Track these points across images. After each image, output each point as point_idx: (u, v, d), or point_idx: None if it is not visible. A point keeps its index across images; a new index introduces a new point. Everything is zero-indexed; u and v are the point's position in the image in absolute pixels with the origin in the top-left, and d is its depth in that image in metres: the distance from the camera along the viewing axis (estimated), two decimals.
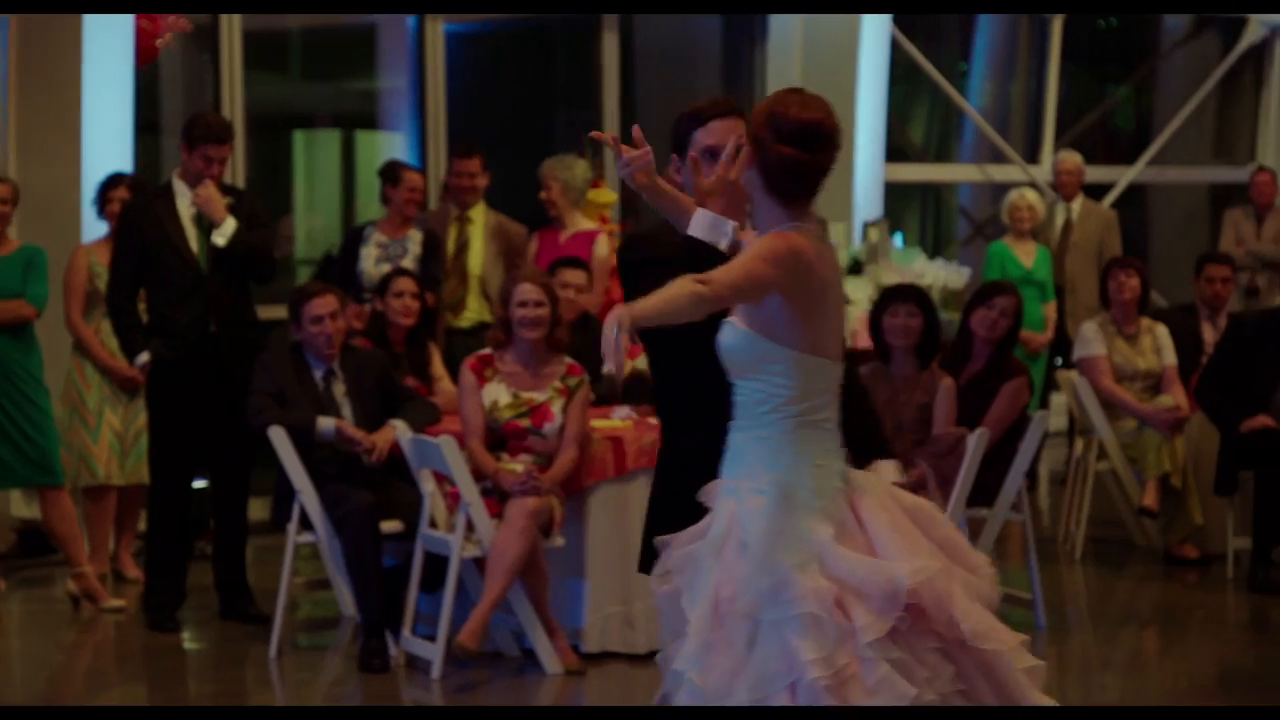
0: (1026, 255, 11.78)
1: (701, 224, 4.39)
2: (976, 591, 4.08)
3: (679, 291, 3.95)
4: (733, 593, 4.01)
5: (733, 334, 4.17)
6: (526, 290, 7.62)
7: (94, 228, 9.35)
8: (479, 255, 9.66)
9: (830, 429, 4.17)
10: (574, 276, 8.87)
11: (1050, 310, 11.75)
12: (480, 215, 9.74)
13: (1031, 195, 12.03)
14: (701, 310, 3.99)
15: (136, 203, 8.35)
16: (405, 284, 8.62)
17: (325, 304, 7.83)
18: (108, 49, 9.89)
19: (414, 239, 9.36)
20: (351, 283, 9.22)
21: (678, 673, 4.07)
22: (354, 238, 9.49)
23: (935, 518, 4.18)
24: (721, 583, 4.04)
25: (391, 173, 9.54)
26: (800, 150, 4.14)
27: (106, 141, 9.91)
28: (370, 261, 9.27)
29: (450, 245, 9.62)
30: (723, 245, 4.37)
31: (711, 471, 4.25)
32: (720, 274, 4.02)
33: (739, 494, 4.12)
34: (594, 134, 4.51)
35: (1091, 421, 9.75)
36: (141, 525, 9.02)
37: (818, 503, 4.08)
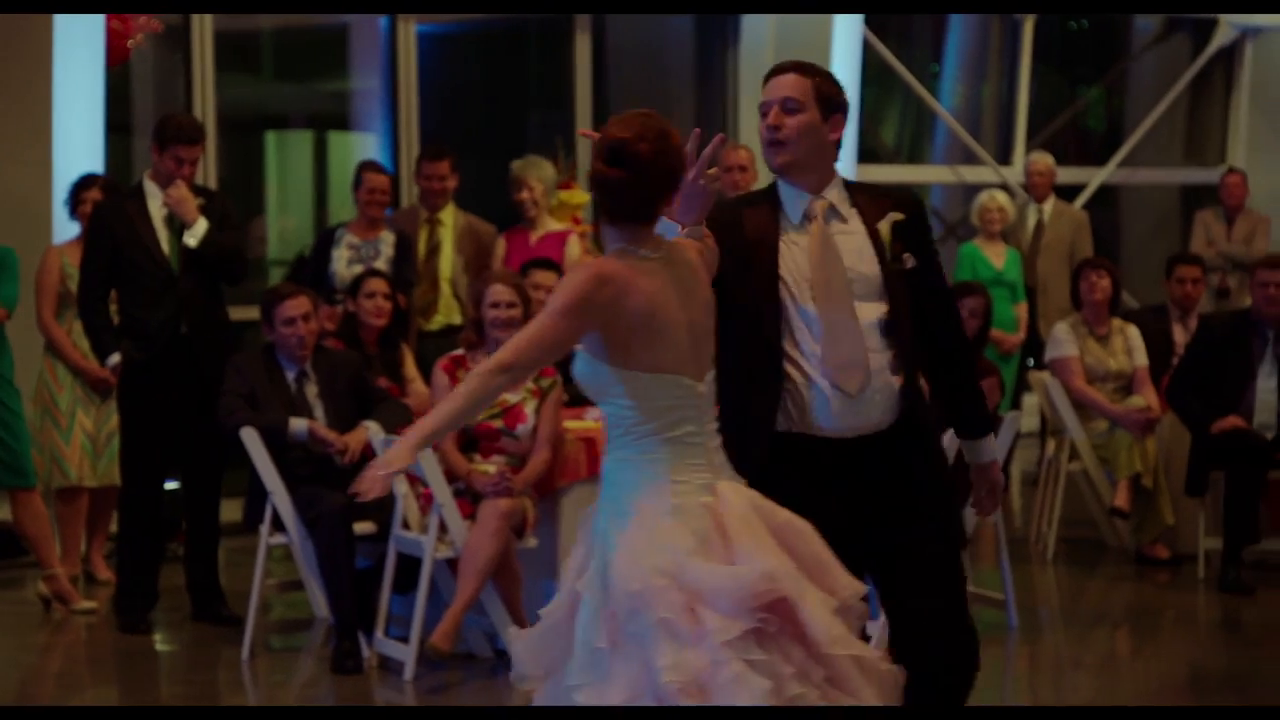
0: (997, 256, 11.81)
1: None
2: (835, 609, 4.12)
3: (474, 387, 4.07)
4: (612, 611, 4.08)
5: (580, 361, 4.24)
6: (498, 291, 7.63)
7: (65, 228, 9.33)
8: (449, 257, 9.65)
9: (696, 443, 4.19)
10: (545, 278, 8.87)
11: (1021, 311, 11.78)
12: (450, 217, 9.73)
13: (1002, 197, 12.06)
14: (510, 388, 4.22)
15: (108, 204, 8.34)
16: (377, 285, 8.61)
17: (297, 305, 7.82)
18: (79, 49, 9.86)
19: (386, 241, 9.35)
20: (323, 284, 9.21)
21: (567, 689, 4.14)
22: (326, 239, 9.47)
23: (804, 534, 4.19)
24: (603, 605, 4.10)
25: (356, 174, 9.54)
26: (611, 169, 4.17)
27: (77, 142, 9.88)
28: (342, 263, 9.26)
29: (421, 248, 9.60)
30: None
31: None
32: (514, 345, 4.12)
33: (605, 519, 4.19)
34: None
35: (1063, 422, 9.78)
36: (113, 527, 9.00)
37: (676, 519, 4.11)
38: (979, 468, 4.84)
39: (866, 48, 13.58)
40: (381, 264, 9.19)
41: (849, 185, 4.73)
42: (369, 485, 4.05)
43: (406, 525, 7.52)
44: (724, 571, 4.03)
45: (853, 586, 4.20)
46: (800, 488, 4.52)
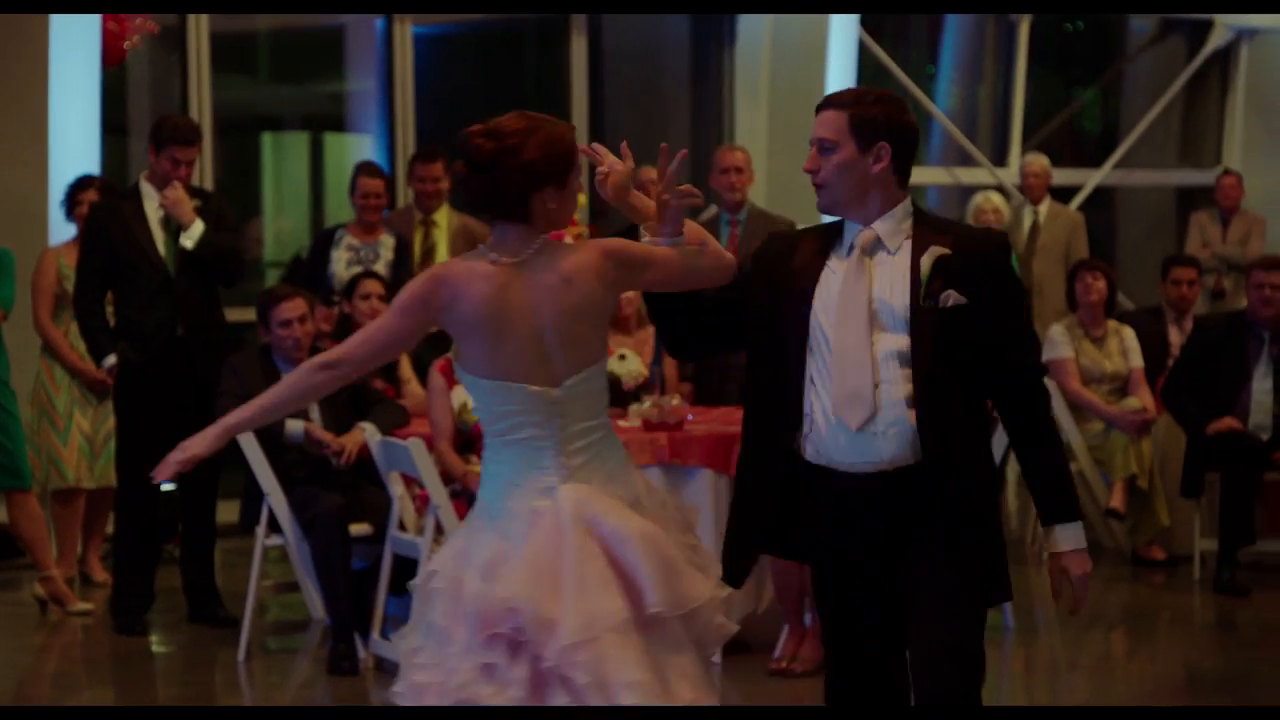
0: None
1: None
2: (671, 635, 4.14)
3: (294, 380, 4.28)
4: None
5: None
6: None
7: (61, 230, 9.33)
8: (444, 259, 9.65)
9: (543, 447, 4.23)
10: None
11: None
12: (445, 218, 9.73)
13: (996, 198, 12.07)
14: (333, 387, 4.33)
15: (104, 205, 8.34)
16: (372, 286, 8.61)
17: (294, 308, 7.82)
18: (75, 51, 9.87)
19: (386, 244, 9.34)
20: (321, 285, 9.20)
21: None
22: (324, 240, 9.47)
23: (649, 545, 4.16)
24: None
25: (352, 177, 9.53)
26: (468, 170, 4.32)
27: (74, 143, 9.89)
28: (341, 264, 9.25)
29: (416, 249, 9.60)
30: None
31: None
32: (347, 342, 4.30)
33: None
34: (582, 148, 4.42)
35: (1059, 423, 9.78)
36: (110, 528, 9.00)
37: (497, 521, 4.22)
38: (1051, 555, 4.54)
39: (862, 49, 13.58)
40: (381, 266, 9.19)
41: (920, 217, 4.53)
42: (163, 469, 4.27)
43: (403, 526, 7.52)
44: (478, 595, 4.12)
45: (690, 593, 4.17)
46: (822, 520, 4.47)
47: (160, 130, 8.16)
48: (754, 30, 13.36)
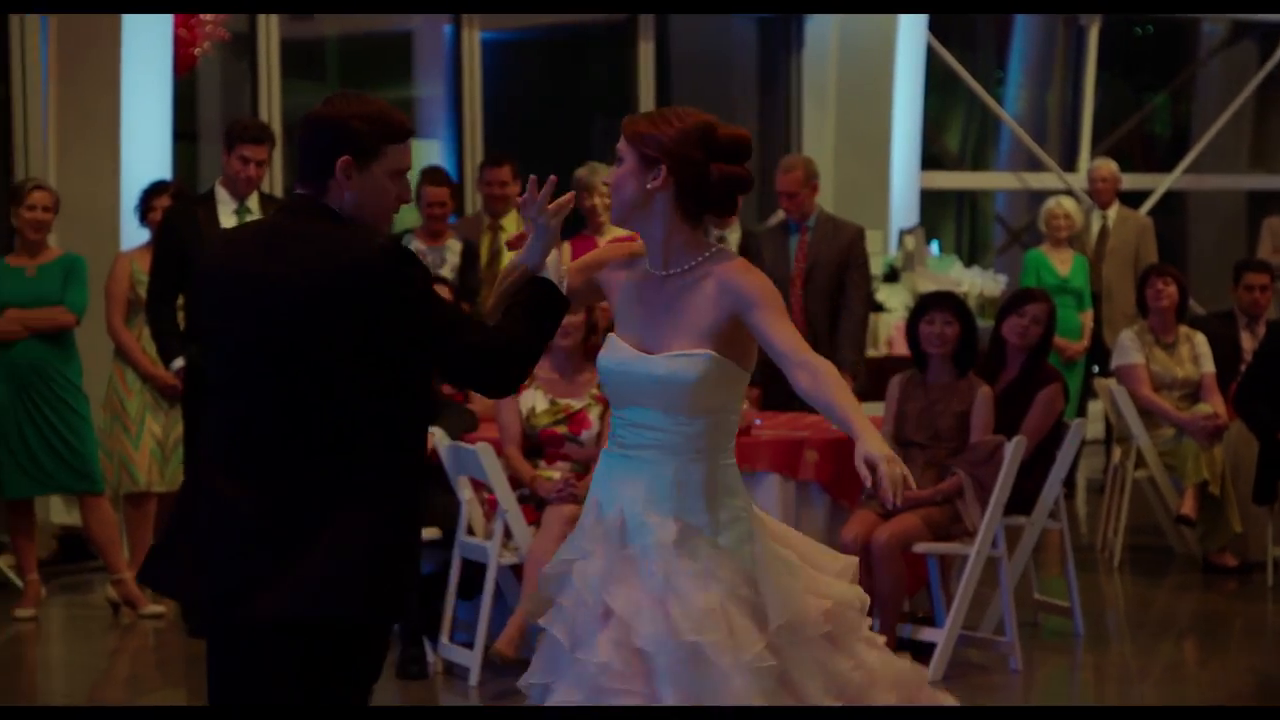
0: (1063, 263, 11.75)
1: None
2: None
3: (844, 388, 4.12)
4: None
5: (708, 365, 4.20)
6: None
7: (133, 235, 9.40)
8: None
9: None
10: None
11: (1087, 318, 11.72)
12: (513, 223, 9.75)
13: (1068, 203, 12.00)
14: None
15: (177, 210, 8.38)
16: (440, 291, 8.62)
17: None
18: (147, 57, 9.94)
19: (453, 249, 9.37)
20: None
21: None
22: None
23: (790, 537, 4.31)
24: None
25: (417, 185, 9.55)
26: (732, 165, 4.29)
27: (146, 150, 9.96)
28: None
29: (483, 253, 9.63)
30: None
31: None
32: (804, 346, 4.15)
33: (715, 527, 4.21)
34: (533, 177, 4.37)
35: (1130, 429, 9.73)
36: None
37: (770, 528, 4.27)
38: None
39: (930, 53, 13.56)
40: (447, 271, 9.22)
41: None
42: None
43: (471, 531, 7.53)
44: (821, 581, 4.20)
45: (842, 559, 4.33)
46: None
47: (231, 130, 8.21)
48: (821, 35, 13.35)
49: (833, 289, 9.12)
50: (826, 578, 4.20)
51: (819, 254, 9.14)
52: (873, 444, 3.84)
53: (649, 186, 4.19)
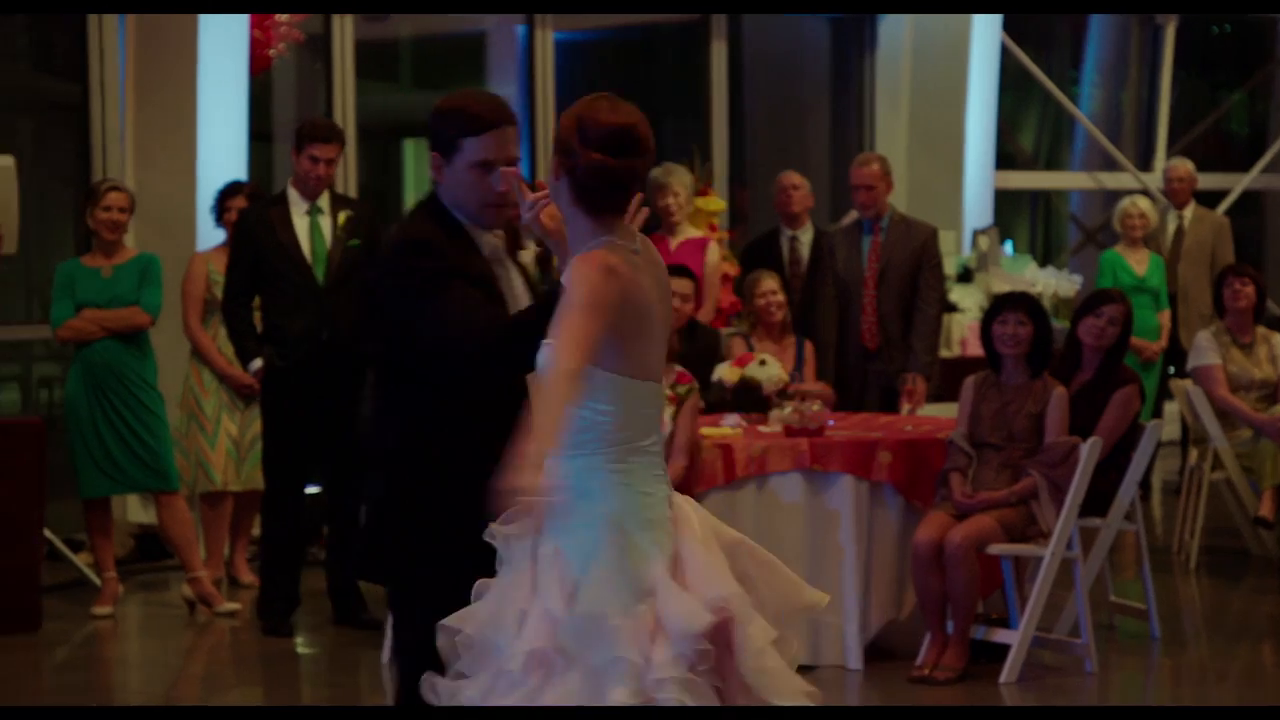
0: (1139, 263, 11.67)
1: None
2: (774, 639, 3.95)
3: (554, 396, 3.74)
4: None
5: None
6: None
7: (209, 235, 9.45)
8: None
9: (656, 453, 4.00)
10: (681, 285, 8.86)
11: (1164, 318, 11.63)
12: None
13: (1144, 203, 11.92)
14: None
15: (252, 211, 8.43)
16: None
17: None
18: (223, 58, 10.00)
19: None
20: None
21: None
22: None
23: (754, 552, 4.08)
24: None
25: None
26: (609, 156, 3.98)
27: (221, 150, 10.02)
28: None
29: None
30: None
31: None
32: (561, 347, 3.79)
33: (567, 527, 3.88)
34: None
35: (1206, 431, 9.66)
36: (256, 531, 9.11)
37: (646, 534, 3.90)
38: None
39: (1005, 53, 13.49)
40: None
41: None
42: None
43: None
44: (681, 599, 3.84)
45: (813, 597, 4.11)
46: None
47: (300, 130, 8.25)
48: (895, 35, 13.31)
49: (906, 290, 9.09)
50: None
51: (892, 255, 9.12)
52: (521, 476, 3.66)
53: (551, 179, 4.11)
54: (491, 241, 4.40)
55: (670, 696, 3.78)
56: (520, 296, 4.40)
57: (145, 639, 8.57)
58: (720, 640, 3.86)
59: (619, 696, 3.77)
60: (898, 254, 9.11)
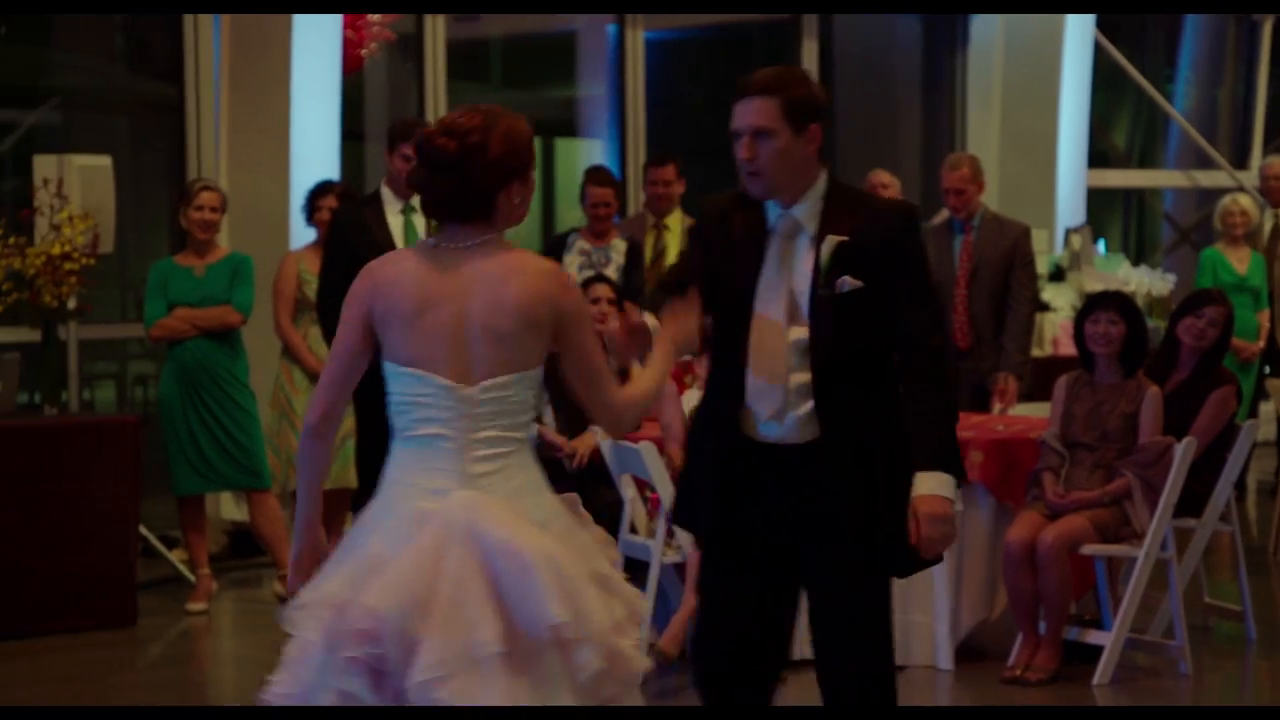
0: (1240, 261, 11.54)
1: None
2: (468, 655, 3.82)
3: (312, 461, 4.49)
4: None
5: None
6: None
7: (302, 235, 9.51)
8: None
9: (440, 447, 4.05)
10: None
11: (1264, 318, 11.50)
12: (677, 222, 9.76)
13: (1245, 200, 11.79)
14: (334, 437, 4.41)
15: (345, 211, 8.46)
16: (601, 290, 8.62)
17: None
18: (316, 58, 10.07)
19: (618, 248, 9.39)
20: None
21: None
22: (558, 244, 9.55)
23: (547, 561, 3.90)
24: None
25: (582, 184, 9.58)
26: (429, 173, 4.09)
27: (314, 150, 10.08)
28: (573, 268, 9.32)
29: (648, 252, 9.64)
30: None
31: None
32: (318, 387, 4.40)
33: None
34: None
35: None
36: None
37: (382, 522, 4.05)
38: (912, 499, 4.47)
39: (1098, 50, 13.40)
40: (612, 270, 9.24)
41: (832, 193, 4.54)
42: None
43: (634, 529, 7.55)
44: (341, 603, 3.89)
45: (538, 620, 3.86)
46: (745, 493, 4.54)
47: (393, 129, 8.29)
48: (987, 33, 13.24)
49: (998, 289, 9.03)
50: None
51: (984, 253, 9.06)
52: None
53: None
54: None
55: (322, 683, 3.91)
56: None
57: (238, 635, 8.64)
58: (404, 647, 3.82)
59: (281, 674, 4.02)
60: (990, 252, 9.05)
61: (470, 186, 4.04)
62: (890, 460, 4.49)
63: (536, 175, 4.27)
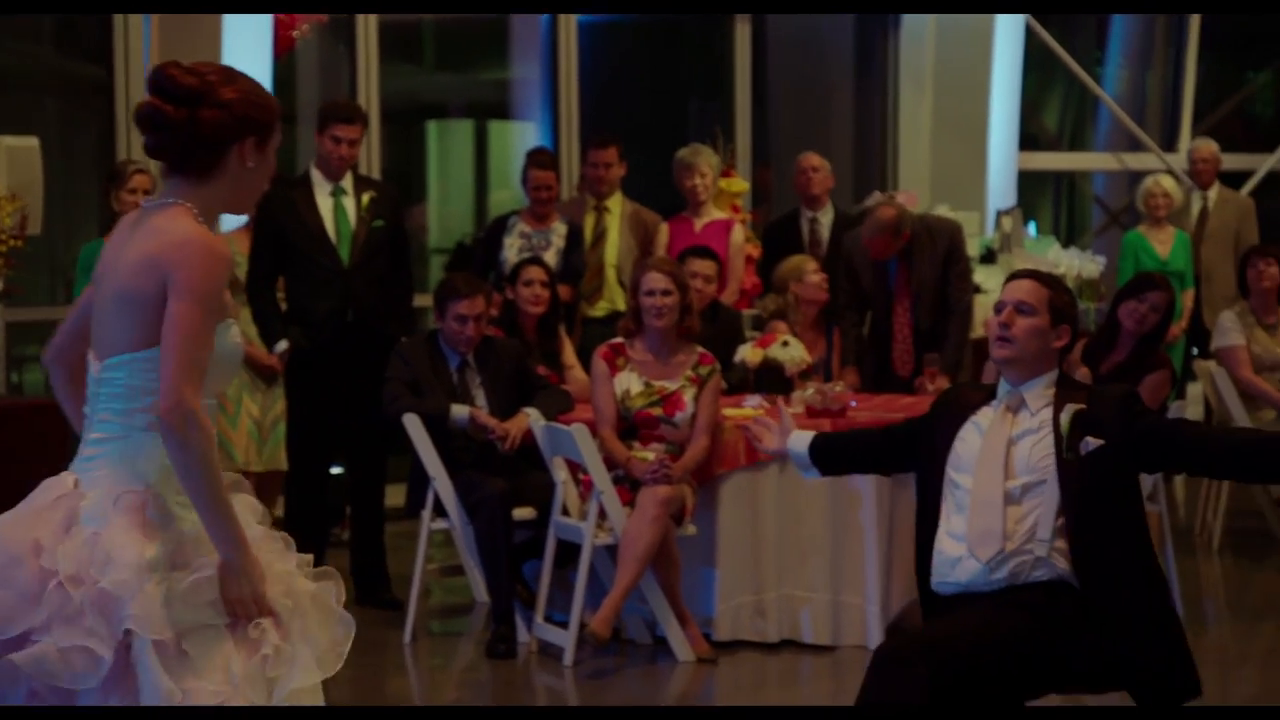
0: (1162, 244, 11.63)
1: None
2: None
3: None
4: None
5: None
6: (654, 279, 7.64)
7: (232, 217, 9.46)
8: (615, 245, 9.69)
9: (85, 426, 3.85)
10: (703, 266, 8.88)
11: (1187, 299, 11.60)
12: (617, 205, 9.76)
13: (1167, 181, 11.88)
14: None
15: (274, 192, 8.44)
16: (535, 272, 8.64)
17: (473, 306, 7.85)
18: (246, 41, 10.01)
19: (558, 231, 9.39)
20: (492, 271, 9.31)
21: None
22: (498, 227, 9.54)
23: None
24: None
25: (524, 166, 9.57)
26: (160, 103, 3.79)
27: None
28: (513, 251, 9.31)
29: (587, 234, 9.64)
30: None
31: None
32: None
33: None
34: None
35: (1230, 412, 9.63)
36: (279, 511, 9.13)
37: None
38: None
39: (1029, 33, 13.46)
40: (551, 254, 9.24)
41: (1063, 381, 5.05)
42: None
43: (566, 511, 7.56)
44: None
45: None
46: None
47: (323, 111, 8.29)
48: (919, 16, 13.28)
49: (937, 299, 9.08)
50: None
51: (921, 274, 9.06)
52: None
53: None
54: None
55: None
56: None
57: None
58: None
59: None
60: (927, 271, 9.06)
61: (197, 130, 3.77)
62: (1152, 589, 4.98)
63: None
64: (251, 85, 3.89)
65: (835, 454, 5.37)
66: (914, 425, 5.25)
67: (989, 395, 5.09)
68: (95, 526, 3.69)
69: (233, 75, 3.85)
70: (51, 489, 3.83)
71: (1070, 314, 5.06)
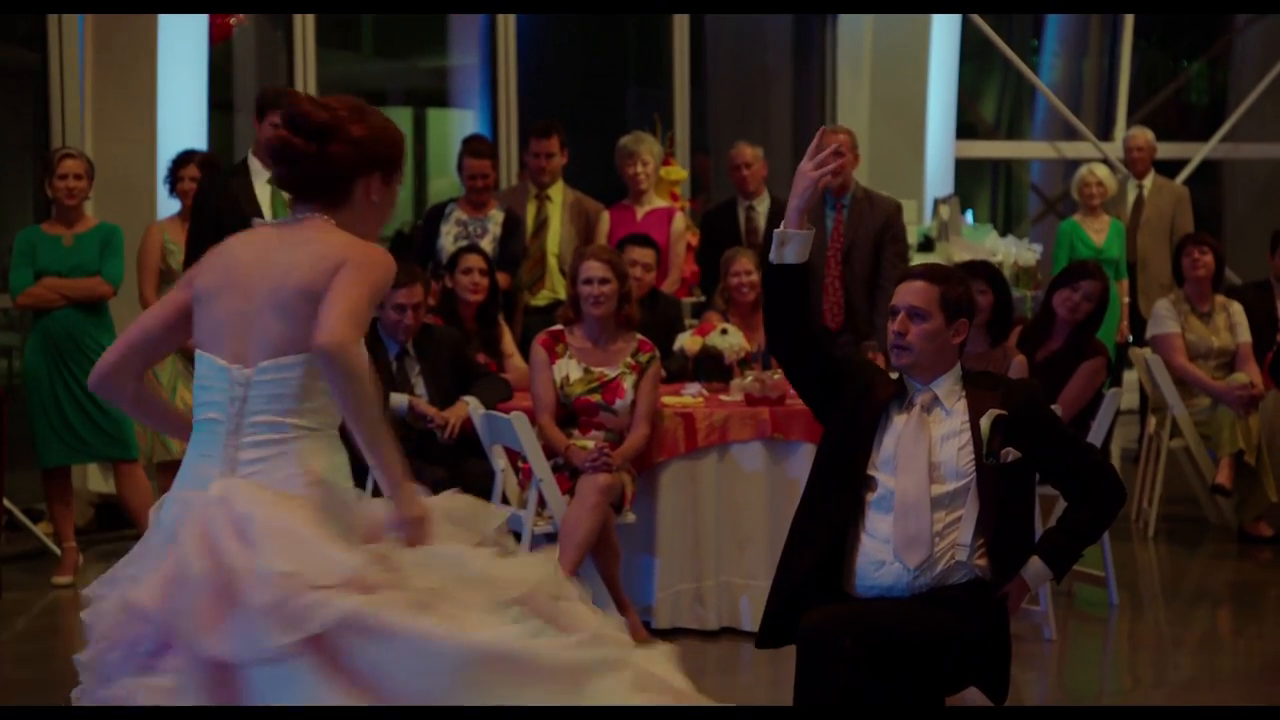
0: (1097, 233, 11.69)
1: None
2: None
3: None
4: None
5: None
6: (591, 267, 7.64)
7: (169, 205, 9.42)
8: (557, 233, 9.68)
9: (215, 431, 3.95)
10: (642, 254, 8.88)
11: (1122, 288, 11.67)
12: (559, 194, 9.74)
13: (1102, 170, 11.94)
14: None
15: (211, 181, 8.41)
16: (473, 261, 8.63)
17: (411, 295, 7.83)
18: (183, 27, 9.96)
19: (495, 219, 9.38)
20: (429, 259, 9.28)
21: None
22: (435, 215, 9.51)
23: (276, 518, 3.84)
24: None
25: (459, 155, 9.54)
26: (291, 134, 3.98)
27: (181, 120, 9.98)
28: (450, 239, 9.30)
29: (529, 223, 9.63)
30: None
31: None
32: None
33: None
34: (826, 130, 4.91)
35: (1165, 399, 9.70)
36: None
37: (157, 512, 4.03)
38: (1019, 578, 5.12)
39: (966, 23, 13.51)
40: (488, 241, 9.22)
41: (968, 378, 5.15)
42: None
43: (505, 500, 7.55)
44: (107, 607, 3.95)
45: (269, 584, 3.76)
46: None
47: (261, 97, 8.24)
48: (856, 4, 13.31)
49: (870, 267, 9.04)
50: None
51: (856, 234, 9.04)
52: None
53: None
54: None
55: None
56: None
57: None
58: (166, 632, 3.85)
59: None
60: (861, 233, 9.04)
61: (326, 165, 3.92)
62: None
63: (408, 144, 4.24)
64: (381, 122, 4.00)
65: (800, 289, 5.17)
66: (845, 374, 5.18)
67: (898, 388, 5.14)
68: (283, 524, 3.83)
69: (363, 111, 3.97)
70: (200, 508, 3.85)
71: (966, 306, 5.11)
